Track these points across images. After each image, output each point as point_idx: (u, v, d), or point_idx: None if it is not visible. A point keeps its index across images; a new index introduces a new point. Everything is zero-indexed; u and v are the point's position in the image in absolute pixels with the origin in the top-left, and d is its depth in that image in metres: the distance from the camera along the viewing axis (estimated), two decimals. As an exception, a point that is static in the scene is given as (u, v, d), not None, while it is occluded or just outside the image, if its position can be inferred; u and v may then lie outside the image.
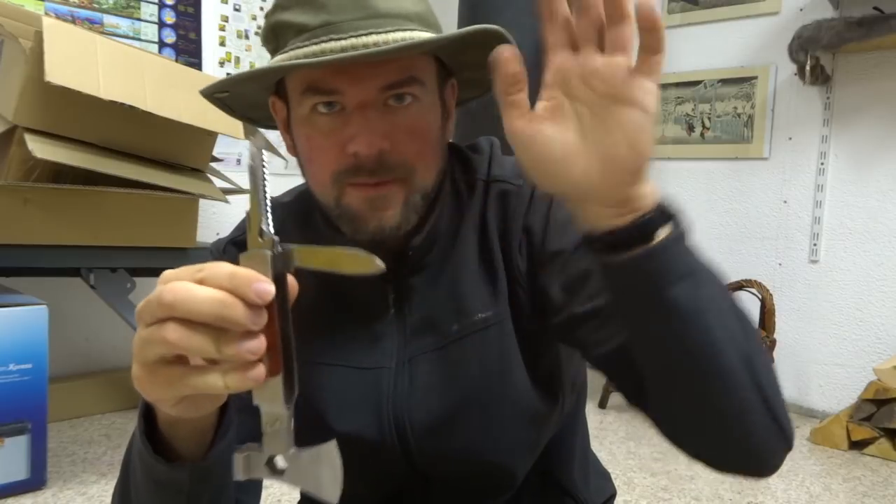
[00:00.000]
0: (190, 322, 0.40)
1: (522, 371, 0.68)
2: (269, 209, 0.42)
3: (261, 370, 0.40)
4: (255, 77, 0.60)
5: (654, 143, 0.44)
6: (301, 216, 0.73)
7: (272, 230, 0.41)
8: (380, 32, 0.57)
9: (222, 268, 0.40)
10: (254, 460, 0.44)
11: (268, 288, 0.39)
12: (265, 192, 0.42)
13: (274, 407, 0.42)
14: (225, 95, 0.66)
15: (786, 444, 0.53)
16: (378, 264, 0.41)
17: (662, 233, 0.47)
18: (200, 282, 0.40)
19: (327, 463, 0.43)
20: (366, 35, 0.57)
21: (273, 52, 0.63)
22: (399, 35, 0.58)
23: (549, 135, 0.44)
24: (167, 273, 0.42)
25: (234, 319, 0.39)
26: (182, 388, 0.41)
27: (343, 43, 0.57)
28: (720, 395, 0.49)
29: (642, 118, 0.43)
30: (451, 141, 0.73)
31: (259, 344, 0.40)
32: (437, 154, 0.65)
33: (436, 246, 0.69)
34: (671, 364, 0.50)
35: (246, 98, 0.67)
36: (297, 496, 0.86)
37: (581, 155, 0.44)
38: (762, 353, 0.52)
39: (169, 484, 0.53)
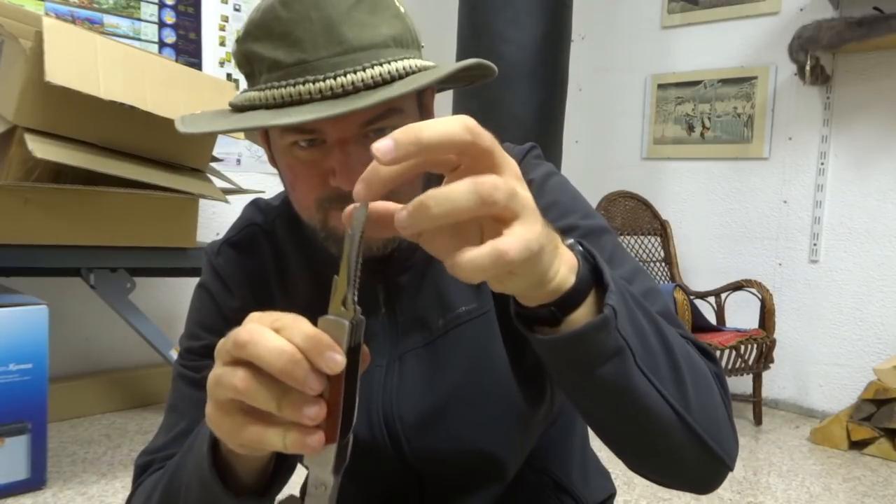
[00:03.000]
0: (260, 372, 0.40)
1: (507, 362, 0.69)
2: (357, 281, 0.41)
3: (320, 438, 0.40)
4: (239, 129, 0.60)
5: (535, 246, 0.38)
6: (290, 219, 0.74)
7: (356, 300, 0.41)
8: (357, 71, 0.57)
9: (301, 324, 0.40)
10: None
11: (339, 360, 0.39)
12: (358, 263, 0.41)
13: (322, 473, 0.42)
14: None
15: (724, 467, 0.55)
16: None
17: (582, 314, 0.45)
18: (278, 330, 0.40)
19: None
20: (343, 75, 0.56)
21: (248, 77, 0.63)
22: (377, 71, 0.57)
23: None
24: (252, 314, 0.42)
25: (297, 378, 0.39)
26: (243, 436, 0.42)
27: (321, 85, 0.56)
28: (651, 445, 0.52)
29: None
30: None
31: (320, 411, 0.40)
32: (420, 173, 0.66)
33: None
34: (603, 425, 0.53)
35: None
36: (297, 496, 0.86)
37: None
38: (699, 384, 0.53)
39: None
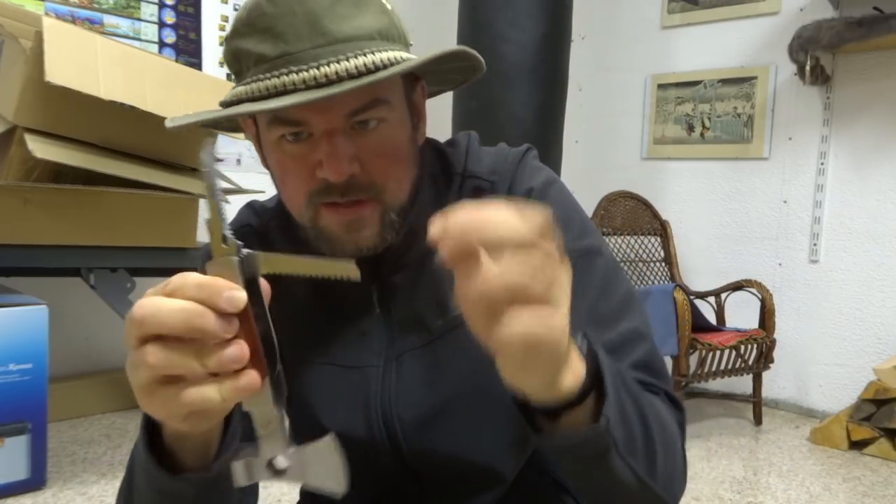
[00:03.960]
0: (167, 340, 0.40)
1: None
2: (226, 215, 0.42)
3: (254, 377, 0.41)
4: (221, 117, 0.60)
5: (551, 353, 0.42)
6: (285, 221, 0.74)
7: (232, 234, 0.42)
8: (340, 60, 0.57)
9: (189, 278, 0.40)
10: (253, 465, 0.45)
11: (239, 295, 0.40)
12: (222, 198, 0.42)
13: (264, 410, 0.43)
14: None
15: None
16: (353, 270, 0.42)
17: (574, 415, 0.49)
18: (169, 295, 0.40)
19: (328, 456, 0.44)
20: (326, 65, 0.57)
21: (236, 76, 0.63)
22: (360, 61, 0.57)
23: None
24: (142, 298, 0.42)
25: (206, 329, 0.39)
26: (179, 405, 0.42)
27: (304, 75, 0.57)
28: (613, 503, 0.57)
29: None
30: (428, 137, 0.74)
31: (240, 350, 0.40)
32: (409, 166, 0.66)
33: (416, 244, 0.70)
34: (573, 484, 0.58)
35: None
36: (297, 496, 0.86)
37: None
38: (667, 451, 0.58)
39: (174, 495, 0.54)
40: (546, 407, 0.48)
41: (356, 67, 0.57)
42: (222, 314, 0.39)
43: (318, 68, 0.57)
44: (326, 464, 0.44)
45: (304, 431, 0.71)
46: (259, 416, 0.43)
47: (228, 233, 0.41)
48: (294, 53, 0.57)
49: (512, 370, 0.43)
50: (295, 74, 0.57)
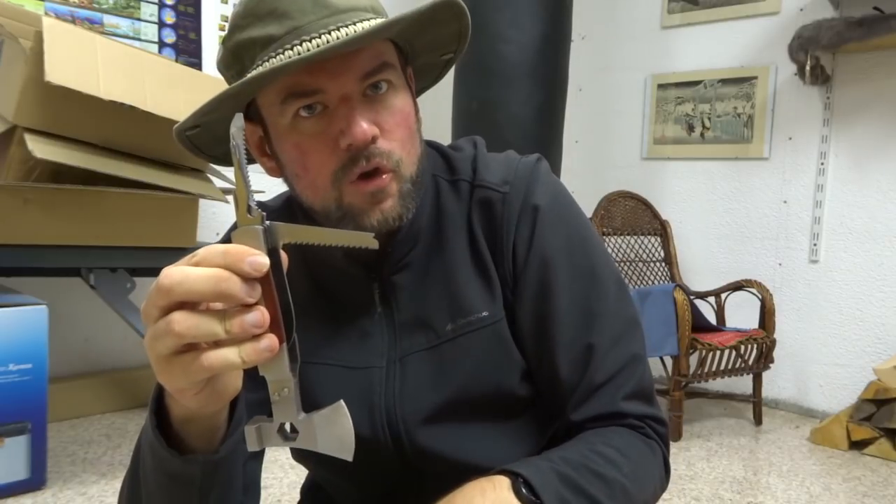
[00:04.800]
0: (192, 308, 0.42)
1: (516, 370, 0.69)
2: (251, 186, 0.43)
3: (273, 340, 0.42)
4: (235, 94, 0.59)
5: None
6: (289, 221, 0.73)
7: (257, 205, 0.43)
8: (347, 25, 0.59)
9: (214, 248, 0.42)
10: (265, 430, 0.46)
11: (262, 260, 0.41)
12: (247, 170, 0.43)
13: (280, 375, 0.44)
14: (196, 132, 0.66)
15: None
16: (372, 240, 0.43)
17: None
18: (196, 265, 0.42)
19: (338, 423, 0.45)
20: (335, 30, 0.58)
21: (238, 76, 0.62)
22: (366, 24, 0.59)
23: None
24: (165, 268, 0.43)
25: (232, 293, 0.41)
26: (201, 370, 0.43)
27: (317, 41, 0.58)
28: None
29: None
30: (429, 140, 0.74)
31: (261, 316, 0.42)
32: (417, 139, 0.67)
33: (418, 244, 0.70)
34: None
35: (215, 131, 0.66)
36: (297, 496, 0.86)
37: None
38: None
39: (181, 477, 0.55)
40: None
41: (364, 30, 0.58)
42: (246, 279, 0.41)
43: (329, 33, 0.58)
44: (336, 430, 0.45)
45: None
46: (273, 382, 0.44)
47: (253, 203, 0.42)
48: (302, 26, 0.58)
49: None
50: (308, 42, 0.58)
